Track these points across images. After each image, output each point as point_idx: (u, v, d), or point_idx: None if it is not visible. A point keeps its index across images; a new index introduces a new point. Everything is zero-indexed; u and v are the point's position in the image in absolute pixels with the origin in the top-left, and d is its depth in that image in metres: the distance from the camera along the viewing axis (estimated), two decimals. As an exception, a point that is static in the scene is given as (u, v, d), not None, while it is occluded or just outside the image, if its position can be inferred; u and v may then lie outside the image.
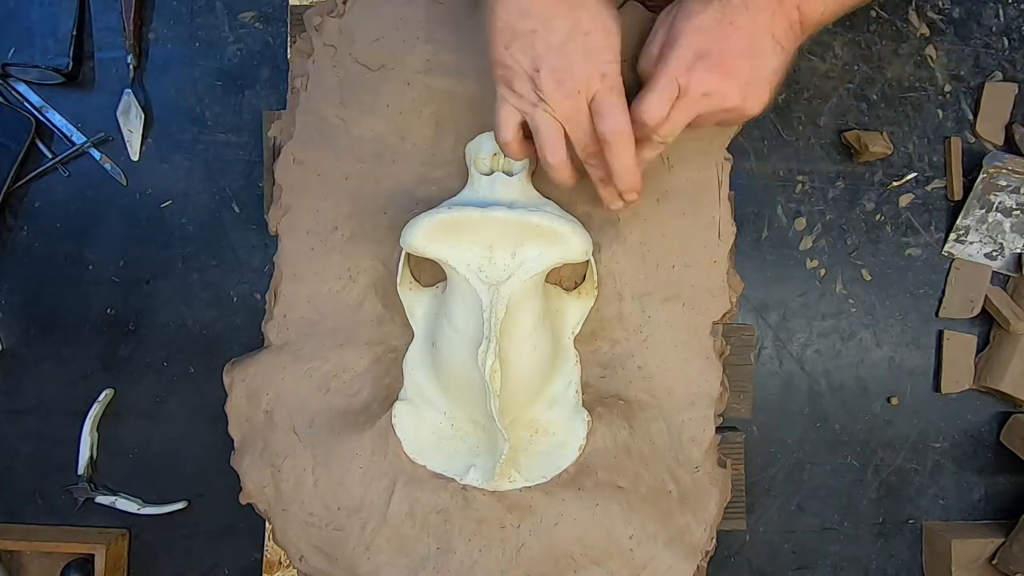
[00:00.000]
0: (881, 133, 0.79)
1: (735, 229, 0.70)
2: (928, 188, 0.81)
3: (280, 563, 0.76)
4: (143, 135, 0.78)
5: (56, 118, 0.78)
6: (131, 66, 0.77)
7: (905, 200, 0.81)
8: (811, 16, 0.59)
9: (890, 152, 0.79)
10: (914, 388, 0.81)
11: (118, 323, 0.78)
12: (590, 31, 0.57)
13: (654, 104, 0.56)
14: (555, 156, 0.60)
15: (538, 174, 0.69)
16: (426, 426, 0.68)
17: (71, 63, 0.77)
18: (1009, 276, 0.81)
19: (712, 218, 0.70)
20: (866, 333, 0.80)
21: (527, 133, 0.62)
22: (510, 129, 0.61)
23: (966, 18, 0.82)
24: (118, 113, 0.77)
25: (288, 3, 0.76)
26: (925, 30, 0.81)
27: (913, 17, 0.81)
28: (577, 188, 0.65)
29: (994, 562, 0.77)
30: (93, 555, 0.74)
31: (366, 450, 0.67)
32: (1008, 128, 0.81)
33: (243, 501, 0.69)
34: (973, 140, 0.81)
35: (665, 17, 0.61)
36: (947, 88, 0.81)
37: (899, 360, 0.80)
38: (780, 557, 0.80)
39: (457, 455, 0.67)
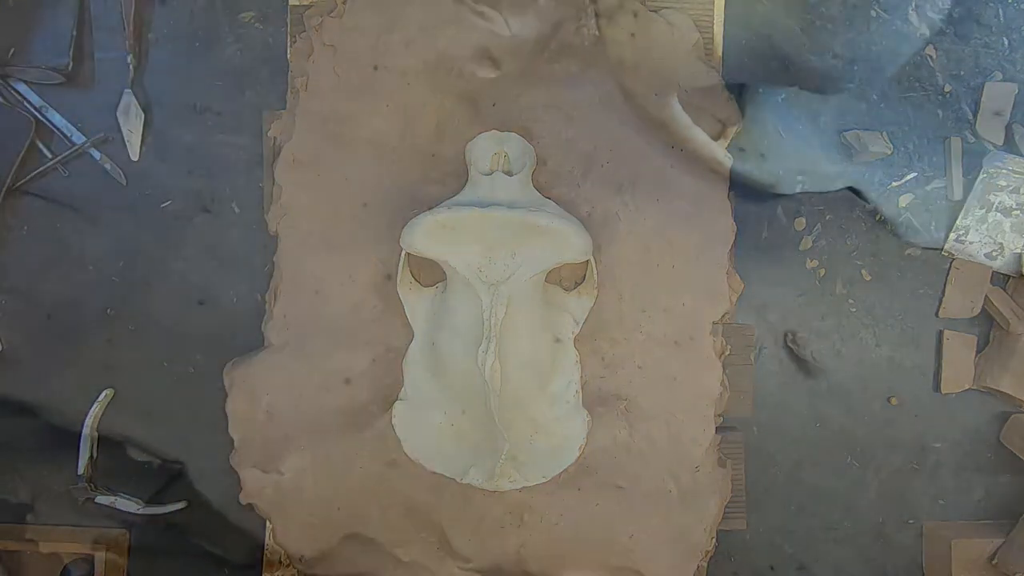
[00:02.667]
0: (881, 133, 0.79)
1: (735, 229, 0.70)
2: (928, 188, 0.81)
3: (280, 563, 0.76)
4: (143, 135, 0.78)
5: (56, 118, 0.78)
6: (131, 66, 0.77)
7: (905, 200, 0.81)
8: None
9: (890, 152, 0.79)
10: (914, 388, 0.81)
11: (118, 323, 0.78)
12: None
13: None
14: None
15: (537, 173, 0.69)
16: (426, 426, 0.68)
17: (71, 63, 0.77)
18: (1009, 276, 0.81)
19: (712, 218, 0.70)
20: (866, 333, 0.80)
21: None
22: None
23: (966, 18, 0.82)
24: (118, 113, 0.77)
25: (288, 3, 0.76)
26: (925, 30, 0.81)
27: (913, 17, 0.81)
28: (577, 188, 0.65)
29: (994, 562, 0.77)
30: (93, 555, 0.75)
31: (366, 450, 0.67)
32: (1008, 128, 0.81)
33: (243, 501, 0.69)
34: (973, 140, 0.81)
35: None
36: (947, 88, 0.81)
37: (899, 360, 0.80)
38: (780, 557, 0.80)
39: (457, 455, 0.67)
